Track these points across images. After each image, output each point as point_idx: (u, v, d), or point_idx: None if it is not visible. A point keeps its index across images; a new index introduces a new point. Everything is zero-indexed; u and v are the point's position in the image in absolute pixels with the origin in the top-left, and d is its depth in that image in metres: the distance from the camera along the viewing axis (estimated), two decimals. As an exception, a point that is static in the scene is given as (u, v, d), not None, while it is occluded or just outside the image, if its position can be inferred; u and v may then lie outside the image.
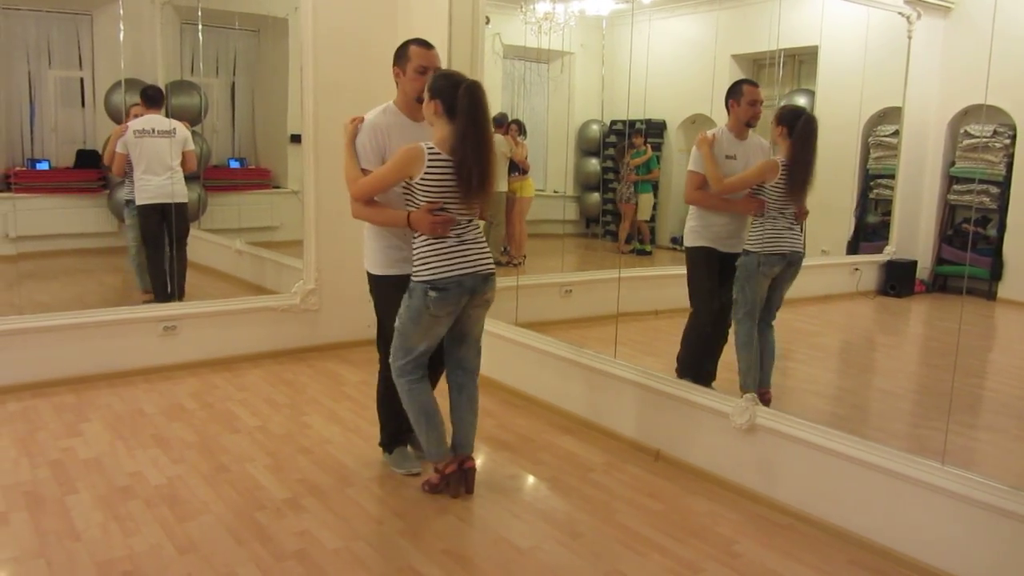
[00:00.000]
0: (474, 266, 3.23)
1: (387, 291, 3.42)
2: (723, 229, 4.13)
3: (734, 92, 4.09)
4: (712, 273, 4.17)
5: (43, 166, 6.05)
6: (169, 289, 5.71)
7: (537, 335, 4.76)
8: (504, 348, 4.88)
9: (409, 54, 3.36)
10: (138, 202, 5.61)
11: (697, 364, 4.18)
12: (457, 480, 3.44)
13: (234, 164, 6.97)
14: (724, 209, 4.11)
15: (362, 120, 3.34)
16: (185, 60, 6.51)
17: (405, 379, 3.36)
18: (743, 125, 4.08)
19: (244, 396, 4.69)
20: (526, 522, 3.25)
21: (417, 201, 3.15)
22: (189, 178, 5.86)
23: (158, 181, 5.57)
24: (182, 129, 5.72)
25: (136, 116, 5.62)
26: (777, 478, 3.44)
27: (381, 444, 3.79)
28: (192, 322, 5.19)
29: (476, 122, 3.06)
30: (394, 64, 3.42)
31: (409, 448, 3.77)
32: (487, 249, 3.32)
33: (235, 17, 6.81)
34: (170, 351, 5.11)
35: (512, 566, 2.90)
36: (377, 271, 3.47)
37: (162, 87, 5.97)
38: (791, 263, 4.06)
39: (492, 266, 3.32)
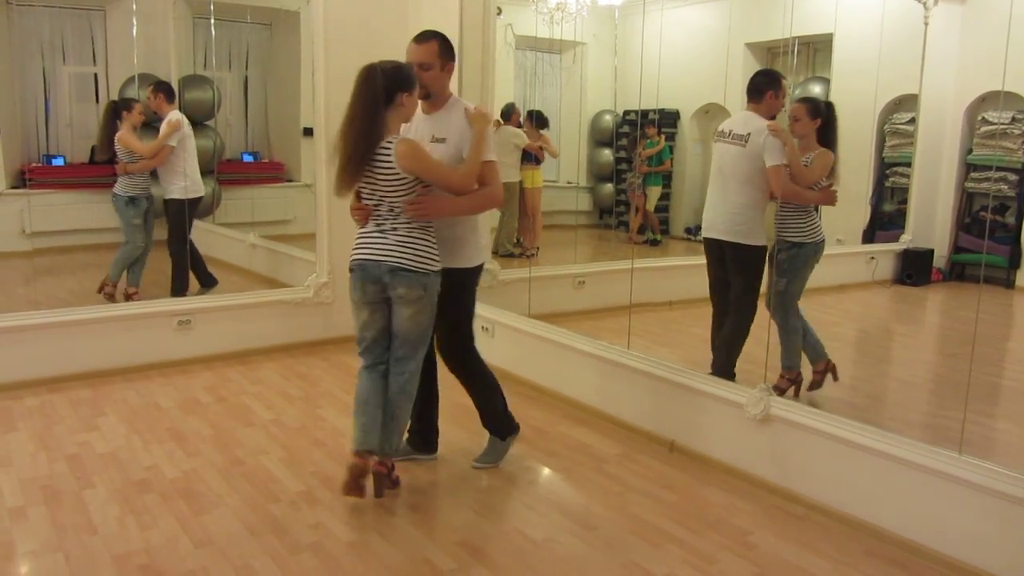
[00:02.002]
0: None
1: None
2: (767, 224, 4.12)
3: (775, 84, 4.02)
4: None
5: (58, 162, 6.08)
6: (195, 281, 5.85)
7: (550, 327, 4.75)
8: (517, 340, 4.87)
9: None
10: (183, 196, 5.69)
11: (733, 362, 4.13)
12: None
13: (247, 158, 6.99)
14: (810, 202, 4.06)
15: None
16: (198, 54, 6.52)
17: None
18: (768, 118, 4.03)
19: (258, 389, 4.71)
20: (540, 514, 3.25)
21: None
22: (203, 172, 5.93)
23: (198, 176, 5.76)
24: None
25: (139, 111, 5.65)
26: (792, 469, 3.42)
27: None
28: (206, 316, 5.21)
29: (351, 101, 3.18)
30: None
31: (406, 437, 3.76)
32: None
33: (247, 11, 6.82)
34: (185, 345, 5.14)
35: (526, 558, 2.90)
36: (477, 263, 3.55)
37: (175, 82, 6.00)
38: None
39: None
